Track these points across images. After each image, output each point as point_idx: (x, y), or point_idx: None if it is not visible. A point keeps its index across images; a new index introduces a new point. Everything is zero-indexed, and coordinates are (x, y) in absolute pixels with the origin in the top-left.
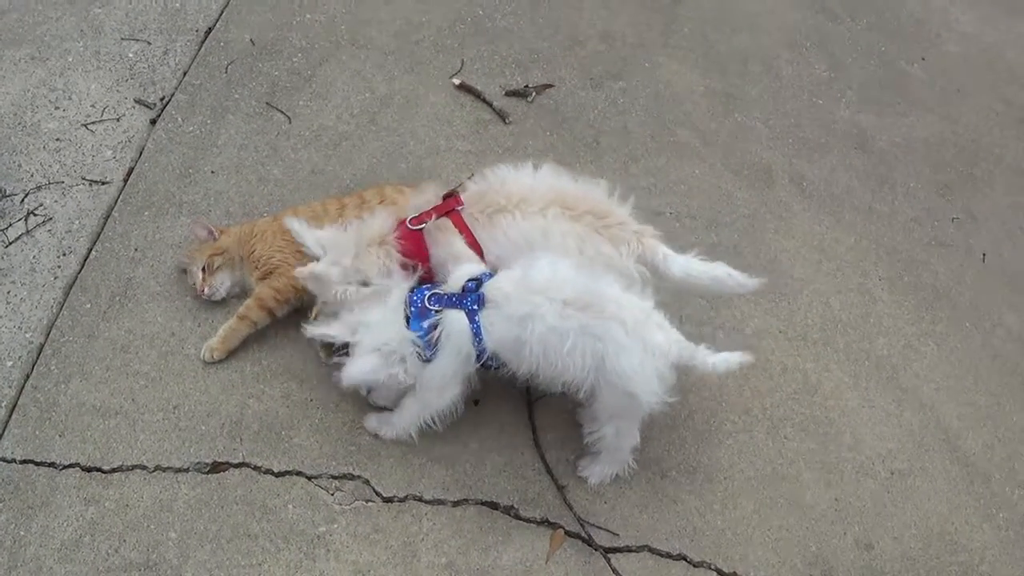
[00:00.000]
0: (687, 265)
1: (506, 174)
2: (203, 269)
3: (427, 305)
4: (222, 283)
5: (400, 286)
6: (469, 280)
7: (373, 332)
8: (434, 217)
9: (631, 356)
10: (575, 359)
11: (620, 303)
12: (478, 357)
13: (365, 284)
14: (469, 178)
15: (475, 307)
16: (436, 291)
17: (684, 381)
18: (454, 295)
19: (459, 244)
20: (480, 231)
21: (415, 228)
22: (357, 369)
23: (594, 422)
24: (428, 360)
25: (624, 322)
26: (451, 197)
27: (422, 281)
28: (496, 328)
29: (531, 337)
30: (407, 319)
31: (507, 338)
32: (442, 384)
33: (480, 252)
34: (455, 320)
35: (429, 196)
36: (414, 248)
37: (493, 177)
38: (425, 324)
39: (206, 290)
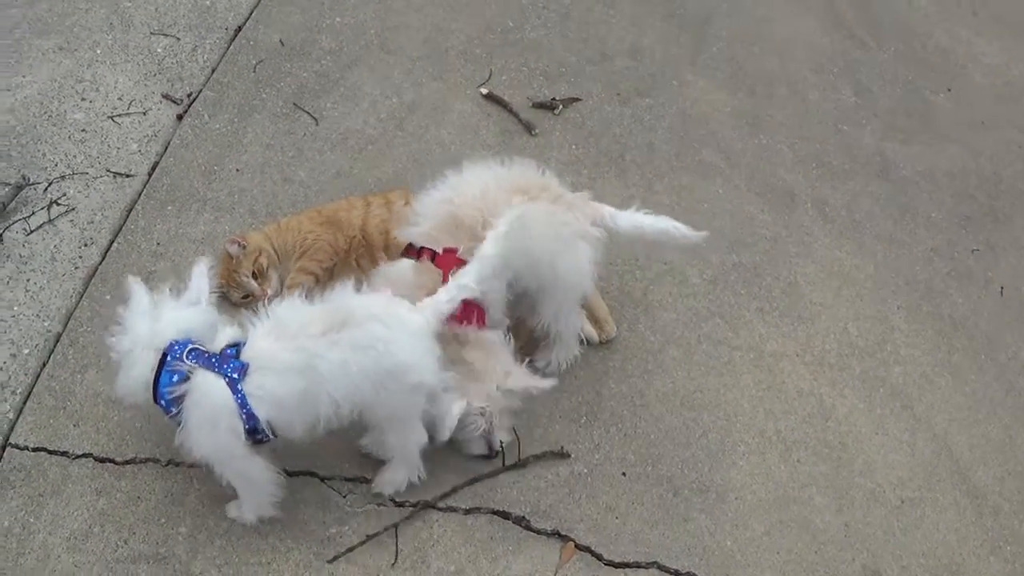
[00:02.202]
0: (633, 219)
1: (455, 182)
2: (254, 275)
3: (184, 360)
4: (275, 281)
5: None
6: (228, 346)
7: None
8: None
9: (402, 344)
10: (365, 380)
11: (364, 304)
12: (250, 432)
13: None
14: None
15: (235, 376)
16: (197, 347)
17: (700, 400)
18: (214, 356)
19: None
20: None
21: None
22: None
23: (373, 431)
24: (175, 419)
25: (378, 317)
26: (422, 251)
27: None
28: (270, 391)
29: (323, 382)
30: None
31: (289, 396)
32: (220, 460)
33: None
34: (211, 387)
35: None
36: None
37: (444, 188)
38: (174, 379)
39: (269, 291)
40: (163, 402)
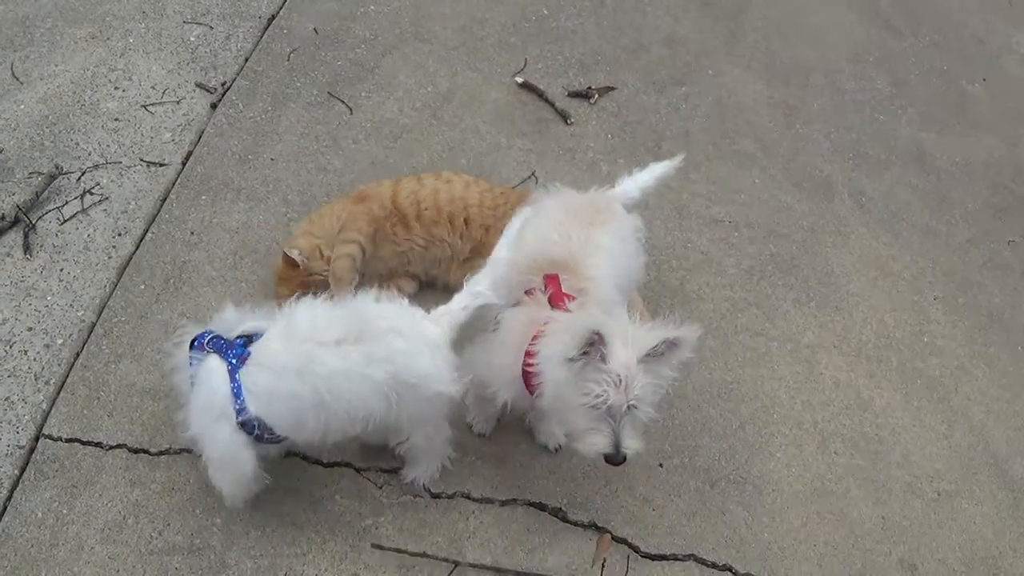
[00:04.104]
0: (637, 183)
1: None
2: (328, 271)
3: (204, 345)
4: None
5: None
6: (239, 336)
7: None
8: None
9: (421, 357)
10: (376, 393)
11: (383, 315)
12: (244, 425)
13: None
14: (529, 178)
15: (235, 361)
16: (218, 335)
17: (737, 391)
18: (224, 341)
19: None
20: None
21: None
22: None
23: (399, 434)
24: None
25: (399, 330)
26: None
27: None
28: (262, 386)
29: (316, 387)
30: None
31: (279, 395)
32: (211, 440)
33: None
34: (211, 370)
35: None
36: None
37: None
38: (193, 360)
39: (355, 279)
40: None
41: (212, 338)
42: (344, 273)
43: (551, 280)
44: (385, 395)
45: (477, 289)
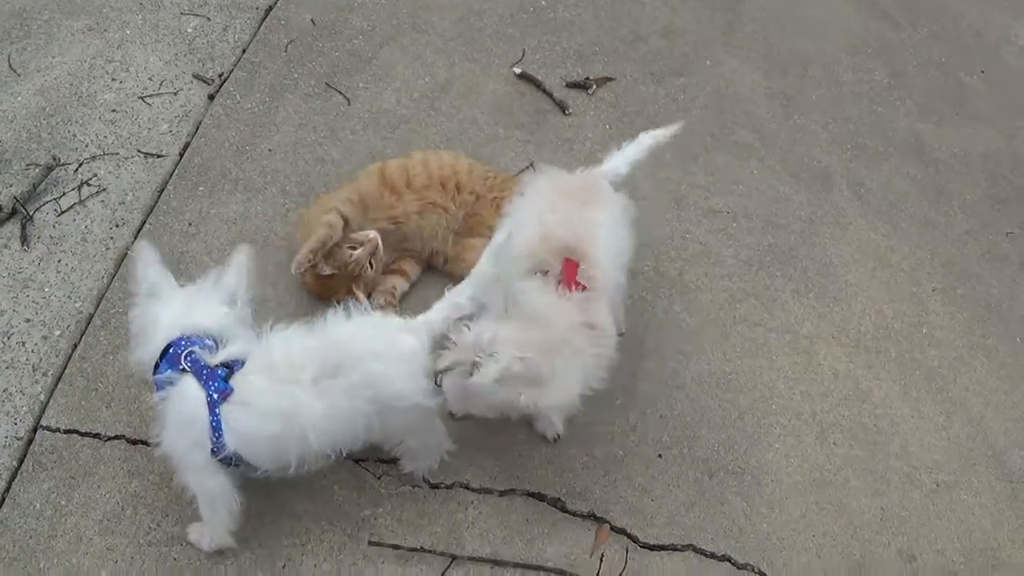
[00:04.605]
0: (626, 158)
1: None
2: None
3: (181, 360)
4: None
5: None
6: (222, 366)
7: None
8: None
9: (399, 378)
10: (357, 419)
11: (356, 335)
12: (214, 451)
13: None
14: (526, 168)
15: (216, 397)
16: (197, 351)
17: (736, 382)
18: (206, 368)
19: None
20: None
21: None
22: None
23: (391, 441)
24: (158, 406)
25: (375, 352)
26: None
27: None
28: (244, 426)
29: (301, 428)
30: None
31: (260, 436)
32: (185, 467)
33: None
34: (191, 398)
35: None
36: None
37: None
38: (167, 374)
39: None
40: (156, 382)
41: (189, 352)
42: (317, 233)
43: (570, 267)
44: (367, 416)
45: (457, 300)
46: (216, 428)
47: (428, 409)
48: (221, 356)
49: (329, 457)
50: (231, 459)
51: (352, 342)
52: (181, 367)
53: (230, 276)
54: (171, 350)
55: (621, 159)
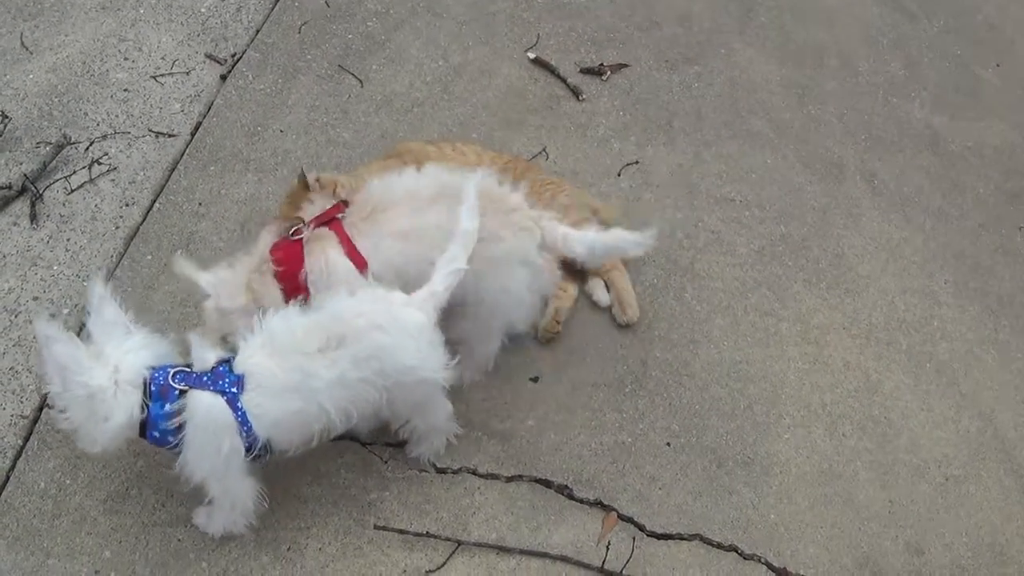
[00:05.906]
0: (589, 241)
1: (391, 180)
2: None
3: (171, 383)
4: None
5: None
6: (219, 363)
7: None
8: (312, 227)
9: (405, 349)
10: (369, 389)
11: (361, 310)
12: (248, 449)
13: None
14: (539, 154)
15: (235, 390)
16: (182, 368)
17: (746, 371)
18: (205, 374)
19: (334, 254)
20: (362, 240)
21: (294, 239)
22: None
23: (398, 419)
24: (173, 449)
25: (379, 325)
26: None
27: None
28: (269, 409)
29: (317, 399)
30: (144, 404)
31: (286, 414)
32: (216, 478)
33: (363, 263)
34: (209, 407)
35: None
36: (293, 266)
37: (377, 184)
38: (167, 407)
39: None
40: (156, 434)
41: (176, 372)
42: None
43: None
44: (377, 388)
45: (454, 266)
46: (243, 422)
47: (436, 385)
48: (209, 360)
49: (352, 420)
50: (262, 451)
51: (356, 316)
52: (176, 391)
53: (108, 312)
54: (152, 388)
55: (585, 238)
